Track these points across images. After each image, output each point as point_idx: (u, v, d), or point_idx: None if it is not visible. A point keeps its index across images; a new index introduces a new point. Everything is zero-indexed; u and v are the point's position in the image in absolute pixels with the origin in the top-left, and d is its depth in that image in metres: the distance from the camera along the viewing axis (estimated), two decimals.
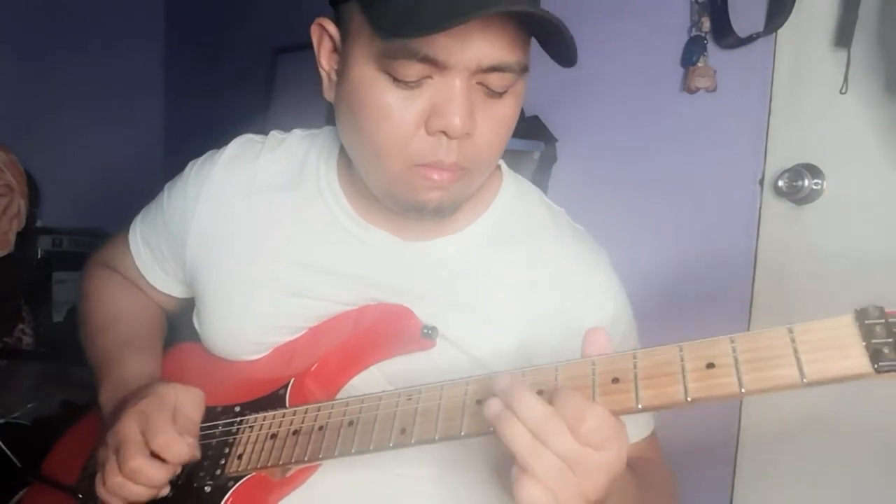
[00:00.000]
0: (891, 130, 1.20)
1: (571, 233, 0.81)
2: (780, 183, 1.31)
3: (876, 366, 0.46)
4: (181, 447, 0.68)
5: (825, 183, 1.28)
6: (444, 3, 0.57)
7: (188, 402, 0.73)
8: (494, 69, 0.62)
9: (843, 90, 1.22)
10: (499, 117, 0.66)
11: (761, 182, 1.37)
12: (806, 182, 1.28)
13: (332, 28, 0.69)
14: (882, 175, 1.21)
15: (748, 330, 1.46)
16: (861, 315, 0.49)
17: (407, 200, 0.69)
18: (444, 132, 0.63)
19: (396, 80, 0.63)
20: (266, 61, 2.42)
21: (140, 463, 0.67)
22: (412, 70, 0.62)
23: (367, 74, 0.64)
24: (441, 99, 0.63)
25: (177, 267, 0.87)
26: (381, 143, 0.66)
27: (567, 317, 0.75)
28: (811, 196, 1.29)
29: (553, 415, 0.51)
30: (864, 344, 0.47)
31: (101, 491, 0.70)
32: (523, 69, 0.65)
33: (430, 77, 0.63)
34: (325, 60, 0.71)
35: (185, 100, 2.85)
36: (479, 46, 0.61)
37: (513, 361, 0.72)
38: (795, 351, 0.50)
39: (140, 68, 2.88)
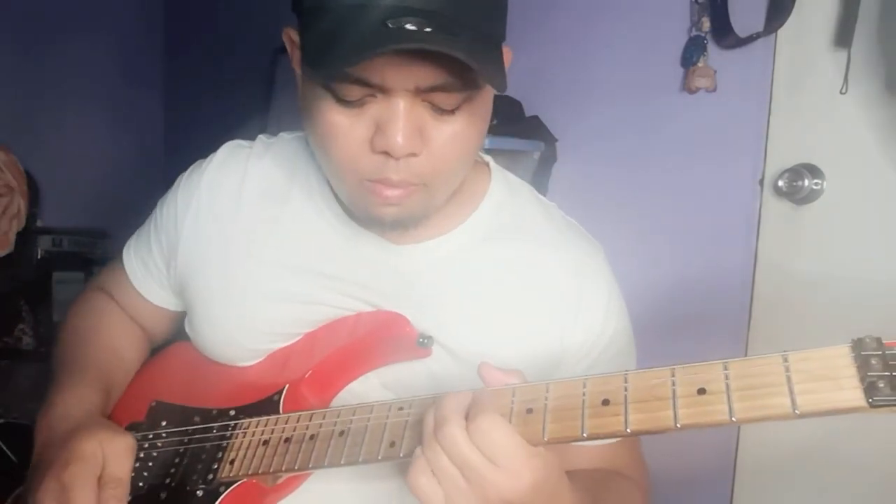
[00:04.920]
0: (891, 130, 1.19)
1: (565, 230, 0.80)
2: (780, 183, 1.31)
3: (870, 400, 0.45)
4: None
5: (825, 183, 1.28)
6: (354, 38, 0.57)
7: (116, 457, 0.71)
8: (436, 89, 0.61)
9: (843, 90, 1.22)
10: (451, 134, 0.64)
11: (761, 182, 1.36)
12: (806, 182, 1.27)
13: (295, 37, 0.68)
14: (882, 175, 1.21)
15: (748, 330, 1.46)
16: (857, 346, 0.47)
17: (365, 213, 0.70)
18: (387, 152, 0.62)
19: (339, 98, 0.62)
20: (266, 61, 2.42)
21: None
22: (352, 91, 0.61)
23: (314, 92, 0.64)
24: (384, 119, 0.61)
25: (170, 277, 0.86)
26: (333, 159, 0.66)
27: (559, 329, 0.75)
28: (811, 196, 1.28)
29: (453, 416, 0.54)
30: (859, 376, 0.46)
31: None
32: (474, 85, 0.63)
33: (373, 96, 0.61)
34: (297, 66, 0.70)
35: (186, 99, 2.85)
36: (414, 69, 0.59)
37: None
38: (789, 380, 0.48)
39: (140, 68, 2.88)
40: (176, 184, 0.86)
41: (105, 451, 0.70)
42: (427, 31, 0.57)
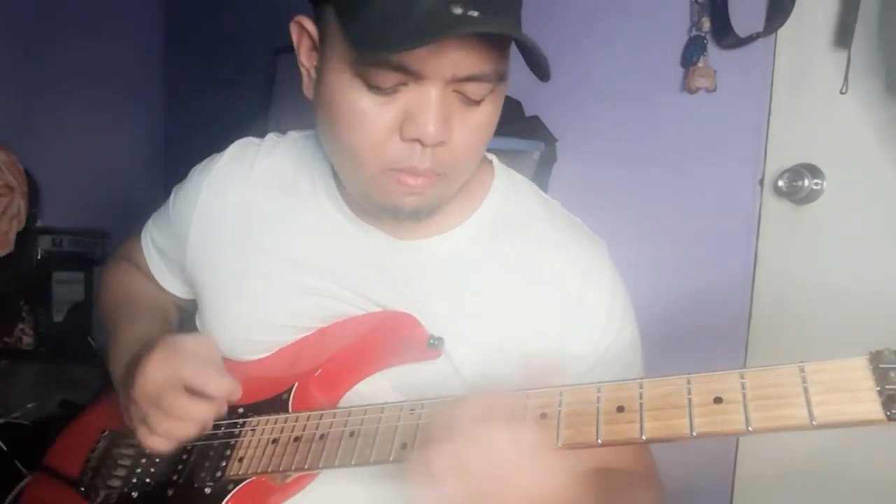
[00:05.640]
0: (891, 130, 1.20)
1: (568, 227, 0.81)
2: (780, 183, 1.31)
3: (888, 413, 0.45)
4: (220, 379, 0.70)
5: (825, 183, 1.28)
6: (416, 21, 0.57)
7: (202, 345, 0.75)
8: (470, 79, 0.62)
9: (843, 90, 1.22)
10: (475, 124, 0.66)
11: (761, 182, 1.37)
12: (806, 182, 1.28)
13: (310, 26, 0.68)
14: (882, 175, 1.21)
15: (748, 330, 1.46)
16: (875, 358, 0.47)
17: (382, 203, 0.69)
18: (418, 140, 0.63)
19: (371, 86, 0.62)
20: (266, 61, 2.42)
21: (185, 403, 0.69)
22: (387, 78, 0.62)
23: (341, 79, 0.64)
24: (416, 107, 0.62)
25: (180, 269, 0.88)
26: (356, 147, 0.66)
27: (562, 326, 0.75)
28: (811, 196, 1.29)
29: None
30: (877, 389, 0.46)
31: (150, 441, 0.71)
32: (500, 78, 0.65)
33: (405, 84, 0.62)
34: (305, 58, 0.70)
35: (185, 100, 2.85)
36: (455, 58, 0.60)
37: (507, 370, 0.72)
38: (806, 391, 0.48)
39: (140, 68, 2.88)
40: (189, 175, 0.87)
41: (189, 340, 0.74)
42: (492, 18, 0.58)
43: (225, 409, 0.72)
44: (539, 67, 0.62)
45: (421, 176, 0.66)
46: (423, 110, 0.62)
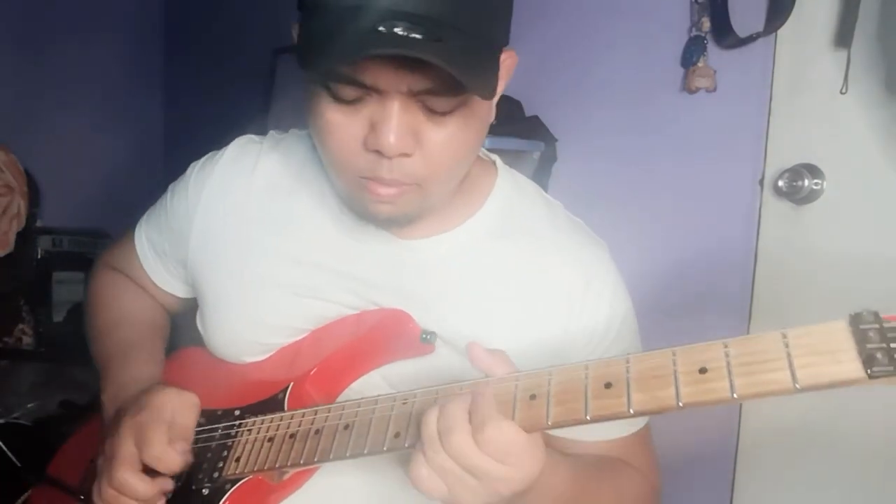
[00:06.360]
0: (891, 130, 1.19)
1: (570, 228, 0.81)
2: (780, 183, 1.31)
3: (869, 371, 0.46)
4: (172, 458, 0.71)
5: (825, 183, 1.28)
6: (340, 41, 0.58)
7: (182, 408, 0.74)
8: (428, 93, 0.62)
9: (843, 90, 1.22)
10: (446, 137, 0.65)
11: (761, 182, 1.36)
12: (806, 182, 1.27)
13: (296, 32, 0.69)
14: (882, 175, 1.21)
15: (748, 330, 1.46)
16: (855, 320, 0.48)
17: (359, 209, 0.71)
18: (379, 151, 0.63)
19: (336, 97, 0.63)
20: (266, 61, 2.42)
21: (127, 476, 0.70)
22: (346, 91, 0.62)
23: (313, 89, 0.65)
24: (377, 118, 0.63)
25: (180, 267, 0.88)
26: (330, 156, 0.67)
27: (563, 327, 0.76)
28: (811, 196, 1.29)
29: (459, 424, 0.55)
30: (857, 349, 0.47)
31: (97, 500, 0.73)
32: (464, 91, 0.61)
33: (369, 95, 0.63)
34: None
35: (185, 100, 2.85)
36: (406, 73, 0.60)
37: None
38: (789, 356, 0.49)
39: (140, 68, 2.88)
40: (188, 173, 0.87)
41: (173, 403, 0.74)
42: (414, 37, 0.57)
43: (168, 488, 0.72)
44: (473, 90, 0.60)
45: (389, 186, 0.66)
46: (384, 122, 0.62)
